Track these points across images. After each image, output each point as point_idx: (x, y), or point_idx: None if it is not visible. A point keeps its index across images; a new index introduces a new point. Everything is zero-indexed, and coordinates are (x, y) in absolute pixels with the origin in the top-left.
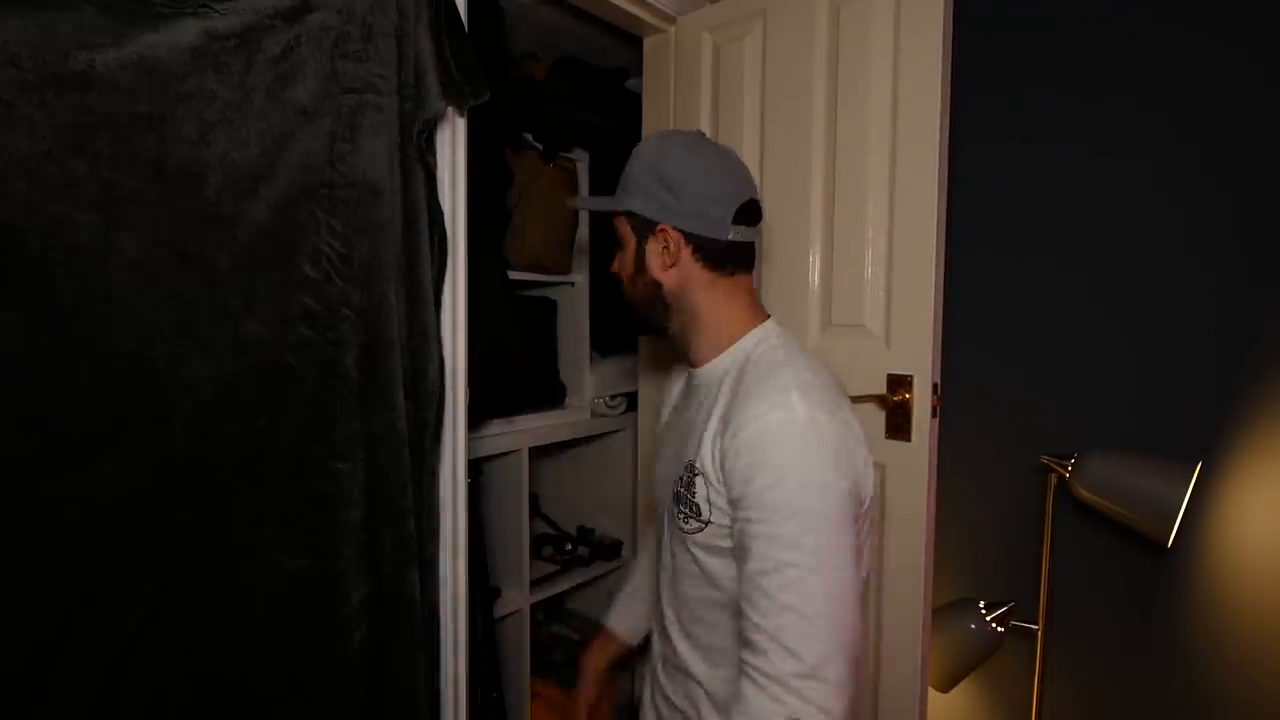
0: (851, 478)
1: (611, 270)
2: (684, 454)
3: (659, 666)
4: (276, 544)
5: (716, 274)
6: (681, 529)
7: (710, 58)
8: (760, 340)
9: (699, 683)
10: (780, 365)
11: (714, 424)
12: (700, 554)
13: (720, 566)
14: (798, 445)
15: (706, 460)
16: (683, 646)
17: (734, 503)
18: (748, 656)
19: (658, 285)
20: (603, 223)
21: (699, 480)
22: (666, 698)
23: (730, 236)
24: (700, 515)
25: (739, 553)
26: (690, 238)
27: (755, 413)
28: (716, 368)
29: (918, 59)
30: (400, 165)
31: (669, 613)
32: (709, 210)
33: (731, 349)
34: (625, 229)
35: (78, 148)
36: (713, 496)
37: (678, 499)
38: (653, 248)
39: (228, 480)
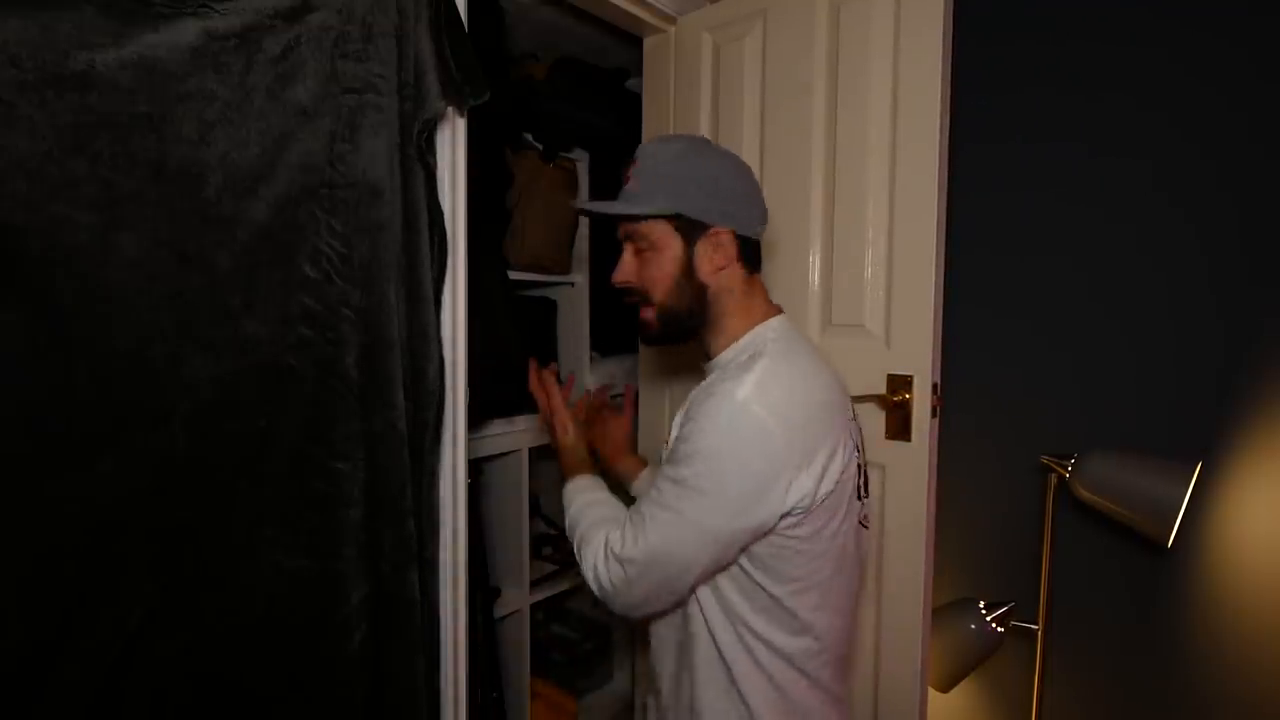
0: (782, 469)
1: (618, 280)
2: None
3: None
4: (276, 544)
5: (749, 273)
6: None
7: (710, 58)
8: (760, 334)
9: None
10: (761, 356)
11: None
12: None
13: None
14: (725, 420)
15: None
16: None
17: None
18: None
19: (705, 289)
20: (604, 222)
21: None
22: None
23: (761, 234)
24: None
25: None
26: (737, 238)
27: (709, 390)
28: (723, 360)
29: (918, 59)
30: (400, 165)
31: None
32: (749, 210)
33: (739, 341)
34: (660, 233)
35: (78, 148)
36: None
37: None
38: (703, 250)
39: (228, 480)
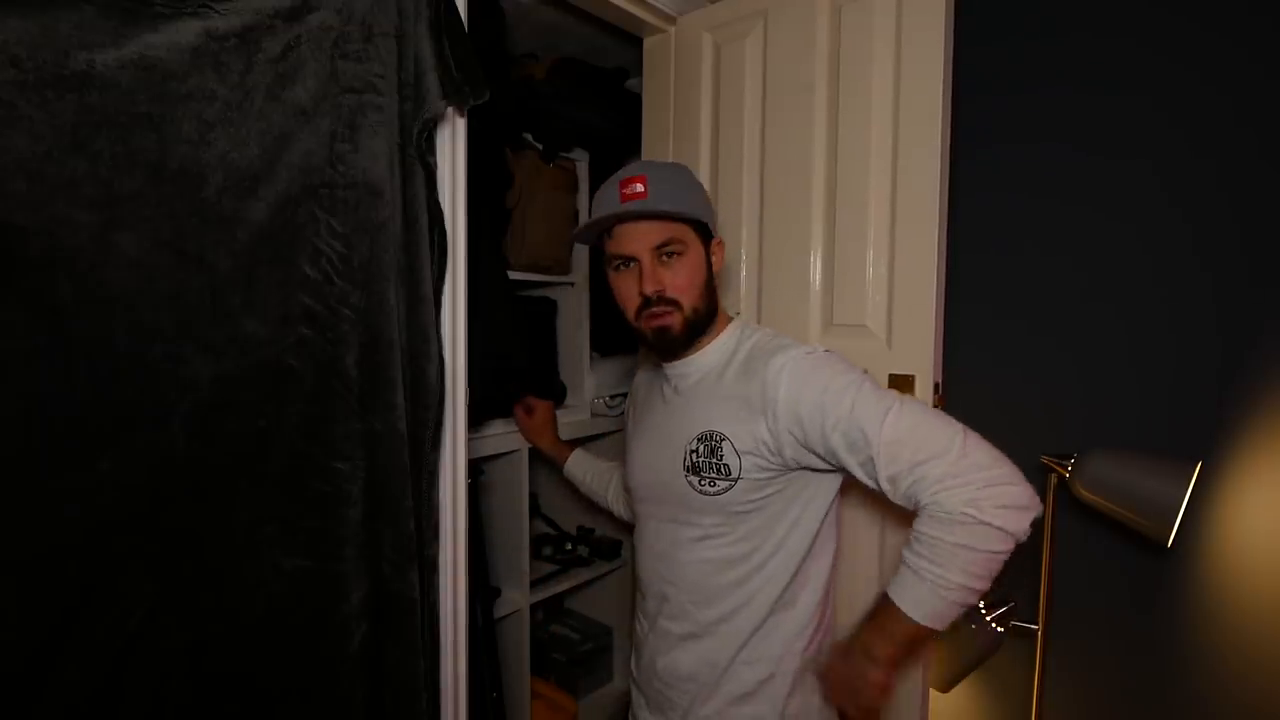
0: None
1: (656, 289)
2: (684, 432)
3: (662, 653)
4: (276, 544)
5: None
6: (706, 493)
7: (711, 58)
8: (742, 333)
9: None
10: (777, 336)
11: (732, 399)
12: (717, 517)
13: (734, 525)
14: (829, 362)
15: (737, 428)
16: (692, 612)
17: (814, 436)
18: (919, 499)
19: (714, 291)
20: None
21: (724, 444)
22: (659, 674)
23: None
24: (730, 474)
25: (850, 458)
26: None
27: (789, 358)
28: (702, 360)
29: (919, 59)
30: (400, 165)
31: (668, 590)
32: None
33: (713, 344)
34: (690, 237)
35: (78, 148)
36: (751, 446)
37: (695, 469)
38: (715, 254)
39: (228, 480)
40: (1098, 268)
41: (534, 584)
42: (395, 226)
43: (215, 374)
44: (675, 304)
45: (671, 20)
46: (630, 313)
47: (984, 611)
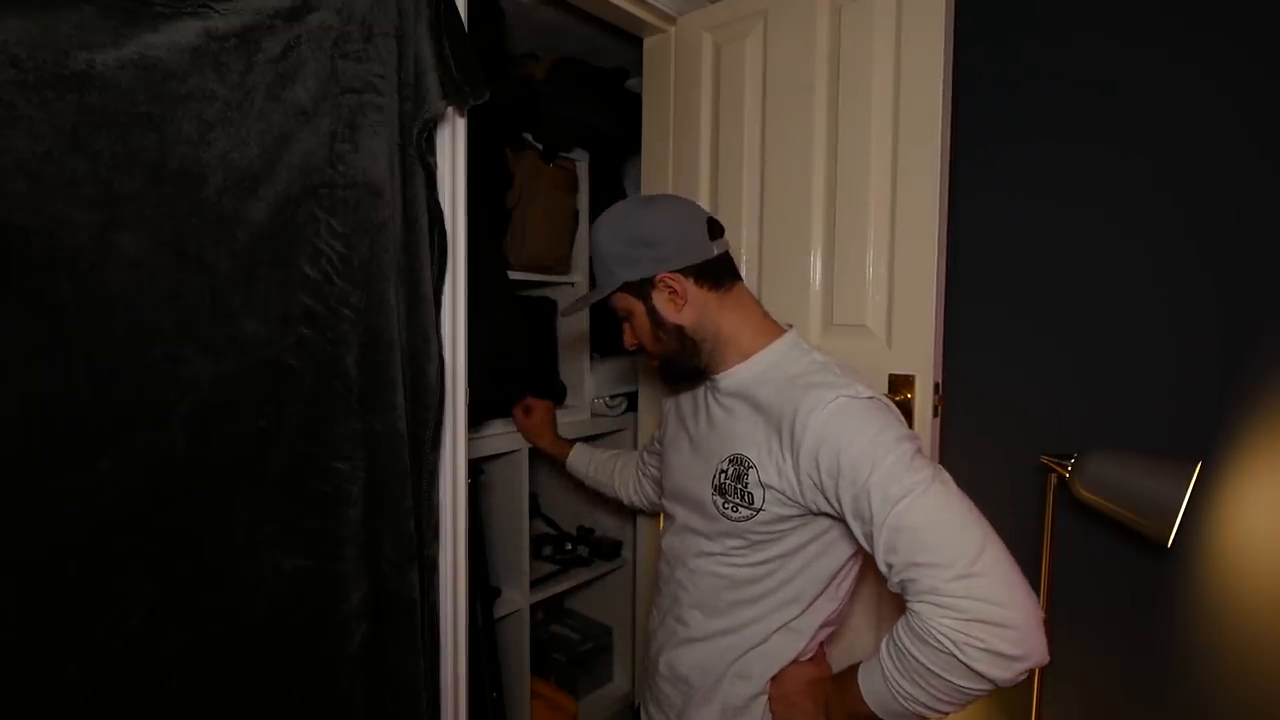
0: (915, 437)
1: (628, 345)
2: (720, 450)
3: (665, 649)
4: (276, 544)
5: (720, 291)
6: (729, 517)
7: (710, 58)
8: (791, 348)
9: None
10: (828, 364)
11: (762, 426)
12: (737, 540)
13: (754, 551)
14: (866, 414)
15: (763, 458)
16: (698, 618)
17: (829, 488)
18: (907, 598)
19: (680, 329)
20: None
21: (750, 473)
22: (664, 675)
23: (715, 252)
24: (752, 504)
25: (855, 524)
26: (687, 271)
27: (822, 400)
28: (742, 373)
29: (919, 59)
30: (400, 165)
31: (680, 593)
32: (689, 240)
33: (756, 356)
34: (627, 302)
35: (78, 148)
36: (775, 482)
37: (721, 490)
38: (659, 299)
39: (228, 480)
40: (1098, 267)
41: (534, 584)
42: (395, 226)
43: (215, 374)
44: (648, 353)
45: (671, 20)
46: None
47: None
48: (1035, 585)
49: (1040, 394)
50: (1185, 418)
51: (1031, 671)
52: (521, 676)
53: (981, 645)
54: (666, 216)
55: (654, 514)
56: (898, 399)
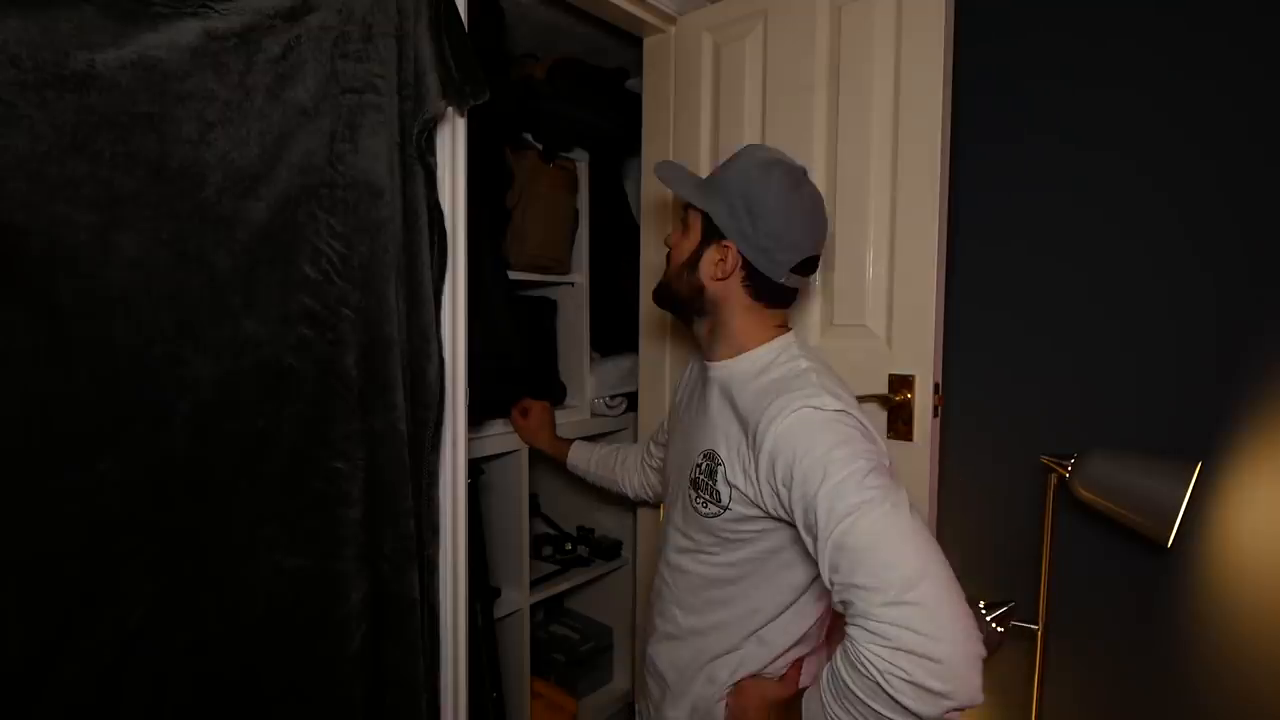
0: (880, 455)
1: (666, 245)
2: (699, 443)
3: (649, 642)
4: (276, 544)
5: (756, 303)
6: (699, 513)
7: (711, 58)
8: (780, 351)
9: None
10: (808, 371)
11: (735, 423)
12: (709, 538)
13: (726, 550)
14: (826, 426)
15: (731, 456)
16: (676, 614)
17: (784, 496)
18: (846, 623)
19: (700, 288)
20: (604, 223)
21: (720, 470)
22: (654, 670)
23: (782, 281)
24: (720, 501)
25: (805, 535)
26: (747, 265)
27: (786, 407)
28: (731, 367)
29: (919, 59)
30: (400, 165)
31: (662, 588)
32: (776, 252)
33: (750, 354)
34: (695, 222)
35: (78, 148)
36: (740, 482)
37: (695, 484)
38: (711, 255)
39: (228, 480)
40: (1098, 267)
41: (534, 584)
42: (395, 226)
43: (215, 374)
44: (666, 266)
45: (671, 20)
46: None
47: (984, 611)
48: (1035, 585)
49: (1040, 394)
50: (1185, 418)
51: (960, 711)
52: (521, 676)
53: (905, 677)
54: (788, 214)
55: (657, 504)
56: (897, 399)
